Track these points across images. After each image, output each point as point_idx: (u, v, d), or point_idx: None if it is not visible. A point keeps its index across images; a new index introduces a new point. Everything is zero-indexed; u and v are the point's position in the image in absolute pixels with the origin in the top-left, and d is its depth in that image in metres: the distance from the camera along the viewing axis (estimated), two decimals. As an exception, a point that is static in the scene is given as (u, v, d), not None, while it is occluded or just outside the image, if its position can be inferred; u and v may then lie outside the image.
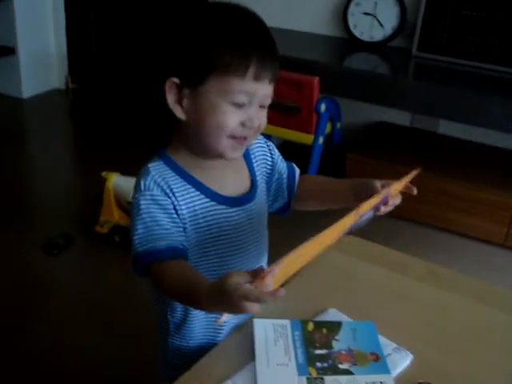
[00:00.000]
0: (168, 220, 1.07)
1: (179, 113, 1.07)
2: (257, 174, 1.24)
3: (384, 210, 1.15)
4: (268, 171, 1.28)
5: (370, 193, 1.11)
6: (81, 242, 2.77)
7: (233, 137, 1.07)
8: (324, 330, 1.15)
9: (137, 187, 1.09)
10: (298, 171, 1.33)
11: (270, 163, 1.28)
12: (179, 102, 1.07)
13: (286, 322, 1.17)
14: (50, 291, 2.48)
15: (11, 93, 4.61)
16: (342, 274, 1.38)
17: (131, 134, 3.96)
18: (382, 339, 1.15)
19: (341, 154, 3.25)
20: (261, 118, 1.09)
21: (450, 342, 1.19)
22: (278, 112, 3.17)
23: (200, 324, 1.22)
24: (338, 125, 3.32)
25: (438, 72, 3.09)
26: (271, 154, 1.28)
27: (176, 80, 1.05)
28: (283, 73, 2.95)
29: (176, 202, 1.09)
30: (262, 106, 1.08)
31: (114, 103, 4.49)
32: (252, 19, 1.08)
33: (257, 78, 1.03)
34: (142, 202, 1.07)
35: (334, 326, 1.16)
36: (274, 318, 1.19)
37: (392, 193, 1.15)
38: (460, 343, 1.19)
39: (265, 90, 1.06)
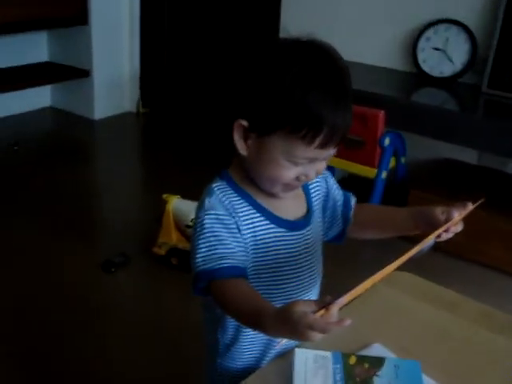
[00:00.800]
0: (231, 239, 1.07)
1: (242, 149, 1.07)
2: (313, 199, 1.23)
3: (445, 236, 1.13)
4: (323, 198, 1.27)
5: (430, 221, 1.11)
6: (138, 262, 2.81)
7: (287, 185, 1.08)
8: (366, 365, 1.12)
9: (201, 206, 1.09)
10: (353, 199, 1.31)
11: (324, 189, 1.27)
12: (245, 139, 1.06)
13: (328, 354, 1.14)
14: (104, 309, 2.51)
15: (84, 114, 4.76)
16: (390, 310, 1.35)
17: (196, 158, 4.01)
18: (427, 380, 1.11)
19: (404, 189, 3.20)
20: (320, 169, 1.08)
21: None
22: (343, 144, 3.15)
23: (250, 345, 1.22)
24: (403, 160, 3.27)
25: (509, 110, 3.00)
26: (326, 181, 1.27)
27: (245, 123, 1.04)
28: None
29: (239, 222, 1.09)
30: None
31: (182, 128, 4.56)
32: (330, 69, 1.02)
33: (323, 146, 1.00)
34: (206, 220, 1.07)
35: (377, 362, 1.13)
36: (317, 348, 1.16)
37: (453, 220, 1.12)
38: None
39: (329, 153, 1.05)
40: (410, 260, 1.03)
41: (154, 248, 2.76)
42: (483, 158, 3.37)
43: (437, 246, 1.16)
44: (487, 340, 1.28)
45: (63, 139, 4.47)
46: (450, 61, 3.23)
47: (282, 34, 3.55)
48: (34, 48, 4.73)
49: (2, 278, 2.65)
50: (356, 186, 3.61)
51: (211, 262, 1.05)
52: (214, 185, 1.11)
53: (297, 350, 1.15)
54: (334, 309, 0.83)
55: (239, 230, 1.09)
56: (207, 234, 1.06)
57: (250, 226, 1.10)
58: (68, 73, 4.64)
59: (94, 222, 3.28)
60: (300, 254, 1.17)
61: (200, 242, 1.06)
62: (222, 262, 1.04)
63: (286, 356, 1.16)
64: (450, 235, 1.13)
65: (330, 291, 0.95)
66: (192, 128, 4.43)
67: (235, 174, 1.13)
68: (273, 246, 1.13)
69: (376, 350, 1.18)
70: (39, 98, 4.84)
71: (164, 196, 2.72)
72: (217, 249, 1.05)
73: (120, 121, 4.82)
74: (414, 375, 1.10)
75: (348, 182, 3.78)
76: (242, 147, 1.06)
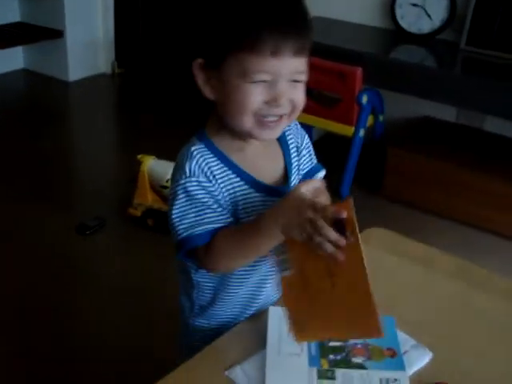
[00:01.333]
0: (216, 205, 1.05)
1: (208, 93, 1.04)
2: (293, 161, 1.17)
3: None
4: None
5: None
6: (113, 223, 2.78)
7: (260, 116, 1.00)
8: (341, 322, 1.10)
9: (180, 170, 1.05)
10: (321, 173, 1.24)
11: (295, 145, 1.20)
12: (208, 81, 1.03)
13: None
14: (80, 271, 2.49)
15: (58, 76, 4.65)
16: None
17: (172, 119, 3.96)
18: (402, 335, 1.10)
19: (382, 147, 3.18)
20: (293, 94, 1.00)
21: (474, 343, 1.13)
22: (319, 102, 3.13)
23: (226, 308, 1.19)
24: (381, 118, 3.25)
25: (487, 67, 2.98)
26: (297, 141, 1.20)
27: (200, 60, 1.02)
28: (325, 62, 2.97)
29: (218, 187, 1.05)
30: (294, 81, 1.00)
31: (159, 88, 4.49)
32: None
33: (275, 53, 0.95)
34: (190, 187, 1.03)
35: (353, 319, 1.12)
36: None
37: None
38: (486, 345, 1.13)
39: (291, 66, 0.97)
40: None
41: (130, 209, 2.73)
42: (462, 115, 3.35)
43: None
44: (465, 295, 1.27)
45: (37, 101, 4.39)
46: (429, 17, 3.19)
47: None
48: (5, 8, 4.58)
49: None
50: (333, 144, 3.63)
51: (200, 226, 1.03)
52: (193, 148, 1.06)
53: (271, 308, 1.14)
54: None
55: (220, 197, 1.06)
56: (194, 200, 1.03)
57: (231, 190, 1.07)
58: (41, 34, 4.52)
59: (69, 185, 3.23)
60: None
61: (186, 207, 1.04)
62: (213, 225, 1.03)
63: (261, 314, 1.15)
64: None
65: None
66: (168, 87, 4.35)
67: (213, 133, 1.09)
68: (252, 210, 1.09)
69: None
70: (11, 59, 4.72)
71: (139, 157, 2.68)
72: (206, 213, 1.03)
73: (95, 82, 4.73)
74: (389, 331, 1.09)
75: (325, 141, 3.77)
76: (207, 91, 1.03)
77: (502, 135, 3.24)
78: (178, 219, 1.04)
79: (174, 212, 1.04)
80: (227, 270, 1.10)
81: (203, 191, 1.04)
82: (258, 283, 1.16)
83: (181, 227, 1.04)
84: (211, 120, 1.10)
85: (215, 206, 1.04)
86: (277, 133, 1.06)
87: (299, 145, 1.20)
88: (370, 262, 1.33)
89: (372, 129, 3.24)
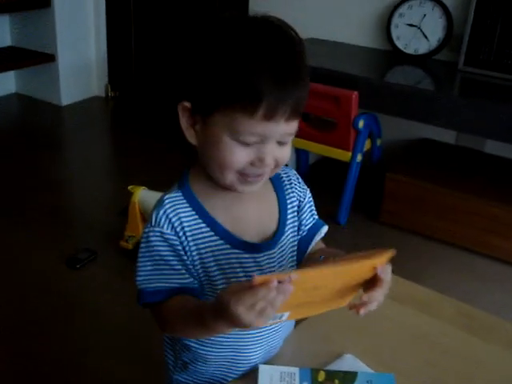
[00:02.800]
0: (177, 260, 0.98)
1: (190, 137, 0.98)
2: (288, 213, 1.09)
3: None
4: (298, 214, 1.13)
5: None
6: (104, 256, 2.69)
7: (242, 174, 0.95)
8: (336, 382, 1.02)
9: (149, 219, 1.00)
10: (324, 231, 1.16)
11: (298, 206, 1.12)
12: (192, 125, 0.97)
13: (295, 370, 1.05)
14: (69, 306, 2.41)
15: (50, 100, 4.60)
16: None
17: (166, 144, 3.88)
18: (402, 394, 1.02)
19: (380, 172, 3.10)
20: (278, 154, 0.95)
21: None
22: (315, 127, 3.06)
23: (210, 365, 1.11)
24: (378, 142, 3.18)
25: (486, 88, 2.91)
26: (300, 196, 1.12)
27: (188, 105, 0.96)
28: (320, 86, 2.89)
29: (185, 242, 0.99)
30: (280, 143, 0.95)
31: (153, 111, 4.43)
32: (274, 42, 0.91)
33: (269, 118, 0.89)
34: (152, 238, 0.98)
35: (348, 377, 1.04)
36: (283, 364, 1.07)
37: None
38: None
39: (282, 129, 0.92)
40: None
41: (121, 242, 2.65)
42: (461, 137, 3.28)
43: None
44: (466, 343, 1.19)
45: (29, 126, 4.31)
46: (425, 37, 3.13)
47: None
48: (-4, 32, 4.56)
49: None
50: (330, 168, 3.56)
51: (155, 282, 0.98)
52: (166, 196, 1.00)
53: (261, 366, 1.06)
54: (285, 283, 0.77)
55: (185, 250, 0.99)
56: (153, 253, 0.98)
57: (201, 245, 1.00)
58: (32, 58, 4.46)
59: (59, 215, 3.13)
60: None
61: (145, 258, 0.99)
62: (166, 284, 0.98)
63: (251, 374, 1.07)
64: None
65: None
66: (162, 111, 4.29)
67: (195, 178, 1.03)
68: (228, 267, 1.01)
69: (348, 361, 1.10)
70: (3, 84, 4.67)
71: (130, 187, 2.59)
72: (162, 269, 0.98)
73: (88, 106, 4.67)
74: (388, 391, 1.01)
75: (322, 165, 3.71)
76: (190, 135, 0.98)
77: (504, 157, 3.17)
78: (138, 268, 1.00)
79: (137, 259, 1.00)
80: (175, 335, 1.07)
81: (164, 244, 0.98)
82: (237, 348, 1.08)
83: (138, 278, 0.99)
84: (195, 166, 1.03)
85: (174, 262, 0.98)
86: (258, 186, 0.99)
87: (302, 199, 1.12)
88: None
89: (369, 153, 3.17)
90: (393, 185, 2.99)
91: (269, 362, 1.10)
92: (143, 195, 2.55)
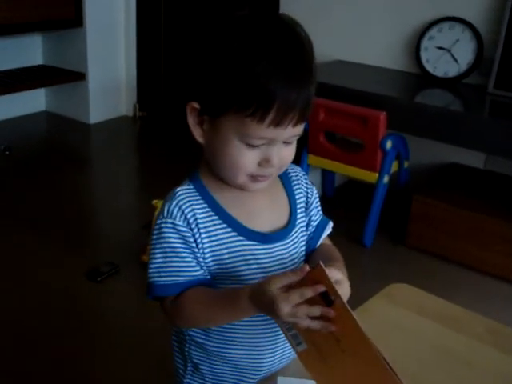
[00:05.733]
0: (188, 252, 0.98)
1: (198, 136, 0.99)
2: (298, 207, 1.09)
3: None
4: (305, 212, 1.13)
5: None
6: (127, 270, 2.69)
7: (251, 175, 0.96)
8: (357, 393, 0.98)
9: (161, 210, 1.00)
10: (327, 231, 1.15)
11: (305, 205, 1.12)
12: (200, 124, 0.98)
13: (313, 383, 1.01)
14: (90, 319, 2.40)
15: (79, 118, 4.65)
16: (387, 326, 1.21)
17: (191, 165, 3.87)
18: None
19: (407, 195, 3.06)
20: (284, 153, 0.96)
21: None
22: (342, 148, 3.04)
23: (223, 367, 1.08)
24: (406, 164, 3.14)
25: (516, 111, 2.87)
26: (308, 196, 1.13)
27: (196, 105, 0.96)
28: (348, 107, 2.88)
29: (198, 234, 0.98)
30: (286, 143, 0.96)
31: (180, 132, 4.44)
32: (284, 43, 0.90)
33: (277, 124, 0.89)
34: (164, 229, 0.98)
35: (370, 389, 0.99)
36: (302, 377, 1.03)
37: None
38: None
39: (289, 133, 0.93)
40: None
41: (143, 256, 2.64)
42: (490, 162, 3.23)
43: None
44: (496, 360, 1.14)
45: (57, 144, 4.37)
46: (455, 60, 3.11)
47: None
48: (29, 51, 4.63)
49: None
50: (356, 191, 3.53)
51: (165, 275, 0.98)
52: (178, 189, 1.01)
53: (279, 378, 1.03)
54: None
55: (197, 243, 0.98)
56: (164, 244, 0.98)
57: (214, 237, 0.99)
58: (63, 76, 4.53)
59: (84, 229, 3.16)
60: (274, 268, 1.03)
61: (156, 250, 0.99)
62: (177, 277, 0.97)
63: (267, 383, 1.04)
64: None
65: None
66: (189, 132, 4.30)
67: (205, 174, 1.03)
68: (241, 259, 1.01)
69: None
70: (34, 102, 4.74)
71: (154, 202, 2.59)
72: (172, 261, 0.98)
73: (116, 125, 4.72)
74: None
75: (348, 188, 3.67)
76: (197, 133, 0.99)
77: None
78: (150, 260, 0.99)
79: (150, 253, 1.00)
80: (189, 327, 1.06)
81: (176, 235, 0.97)
82: (253, 343, 1.06)
83: (150, 270, 0.99)
84: (204, 162, 1.04)
85: (185, 254, 0.97)
86: (267, 184, 1.01)
87: (309, 195, 1.12)
88: (392, 323, 1.22)
89: (397, 175, 3.13)
90: (420, 207, 2.94)
91: (286, 370, 1.06)
92: (166, 210, 2.54)
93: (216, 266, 1.00)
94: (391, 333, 1.19)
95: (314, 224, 1.13)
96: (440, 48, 3.15)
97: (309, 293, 0.83)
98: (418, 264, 2.87)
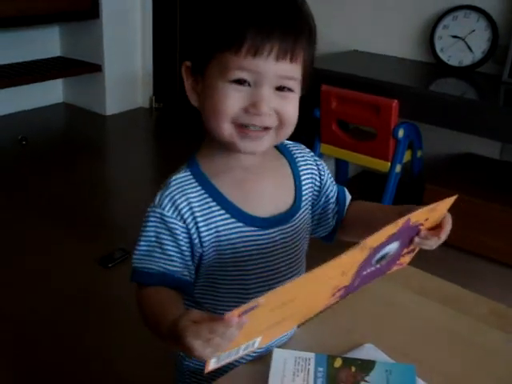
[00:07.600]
0: (172, 245, 0.96)
1: (193, 100, 0.98)
2: (303, 188, 1.07)
3: (419, 241, 1.02)
4: (315, 192, 1.11)
5: None
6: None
7: (240, 125, 0.91)
8: (353, 369, 0.98)
9: (154, 199, 0.99)
10: (349, 197, 1.15)
11: (318, 183, 1.11)
12: (195, 88, 0.97)
13: (311, 355, 1.01)
14: (101, 304, 2.43)
15: (96, 109, 4.68)
16: (388, 307, 1.21)
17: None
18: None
19: (420, 185, 3.04)
20: (278, 106, 0.91)
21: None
22: (354, 136, 3.03)
23: None
24: (419, 153, 3.12)
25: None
26: (320, 173, 1.11)
27: (188, 64, 0.98)
28: (360, 95, 2.87)
29: (192, 224, 0.96)
30: (280, 89, 0.91)
31: (196, 123, 4.44)
32: None
33: (254, 53, 0.87)
34: (151, 218, 0.97)
35: (366, 365, 0.99)
36: (300, 349, 1.03)
37: (425, 222, 0.97)
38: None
39: (274, 69, 0.88)
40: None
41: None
42: (506, 151, 3.20)
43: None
44: (498, 341, 1.13)
45: (74, 135, 4.40)
46: (470, 49, 3.08)
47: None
48: (47, 43, 4.67)
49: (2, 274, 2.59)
50: (370, 181, 3.51)
51: (145, 262, 0.97)
52: (174, 177, 1.00)
53: (275, 350, 1.02)
54: (237, 317, 0.71)
55: (190, 235, 0.97)
56: (149, 233, 0.97)
57: (212, 225, 0.97)
58: (80, 67, 4.57)
59: (100, 218, 3.18)
60: (276, 253, 1.03)
61: (142, 237, 0.98)
62: (152, 267, 0.96)
63: (264, 357, 1.03)
64: (432, 241, 1.04)
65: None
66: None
67: (204, 156, 1.02)
68: (241, 245, 0.99)
69: (367, 351, 1.05)
70: (51, 93, 4.79)
71: (166, 192, 2.61)
72: (154, 251, 0.97)
73: (132, 116, 4.74)
74: (407, 381, 0.96)
75: (361, 178, 3.65)
76: (193, 98, 0.98)
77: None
78: (136, 244, 0.99)
79: (138, 238, 0.99)
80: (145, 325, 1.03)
81: (162, 226, 0.96)
82: None
83: (133, 256, 0.99)
84: (204, 144, 1.04)
85: (168, 247, 0.96)
86: (261, 146, 0.95)
87: (322, 172, 1.11)
88: (396, 304, 1.21)
89: (410, 165, 3.11)
90: (433, 198, 2.89)
91: (284, 347, 1.06)
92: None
93: (216, 254, 0.99)
94: (393, 314, 1.18)
95: (333, 199, 1.12)
96: (454, 37, 3.12)
97: (220, 328, 0.71)
98: (431, 253, 2.84)
